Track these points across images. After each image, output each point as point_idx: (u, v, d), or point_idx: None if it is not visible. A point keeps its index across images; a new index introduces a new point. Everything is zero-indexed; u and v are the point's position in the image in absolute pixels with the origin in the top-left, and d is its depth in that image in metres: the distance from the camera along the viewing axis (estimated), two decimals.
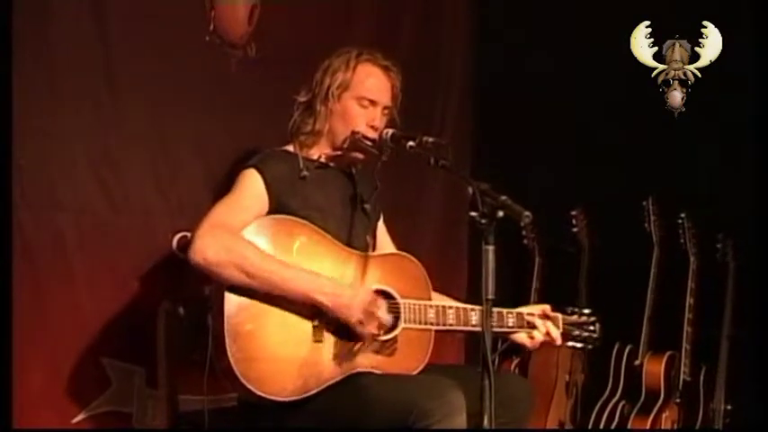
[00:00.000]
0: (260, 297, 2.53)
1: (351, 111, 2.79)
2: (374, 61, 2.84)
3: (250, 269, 2.49)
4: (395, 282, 2.72)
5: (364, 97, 2.80)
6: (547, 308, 2.94)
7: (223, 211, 2.61)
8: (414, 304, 2.71)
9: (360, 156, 2.83)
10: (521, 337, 2.89)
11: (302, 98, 2.84)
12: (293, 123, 2.84)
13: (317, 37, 3.51)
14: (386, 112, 2.84)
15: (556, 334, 2.88)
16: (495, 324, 2.75)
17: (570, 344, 2.97)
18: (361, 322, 2.58)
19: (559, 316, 2.94)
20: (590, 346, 3.02)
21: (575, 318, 2.98)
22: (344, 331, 2.61)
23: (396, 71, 2.87)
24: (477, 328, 2.71)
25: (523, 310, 2.90)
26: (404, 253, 2.85)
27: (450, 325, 2.75)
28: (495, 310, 2.75)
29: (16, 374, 2.75)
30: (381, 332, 2.65)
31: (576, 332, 2.97)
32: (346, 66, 2.80)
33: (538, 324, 2.87)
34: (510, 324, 2.84)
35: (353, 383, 2.57)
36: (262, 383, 2.49)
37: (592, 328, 2.99)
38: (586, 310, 3.01)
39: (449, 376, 2.57)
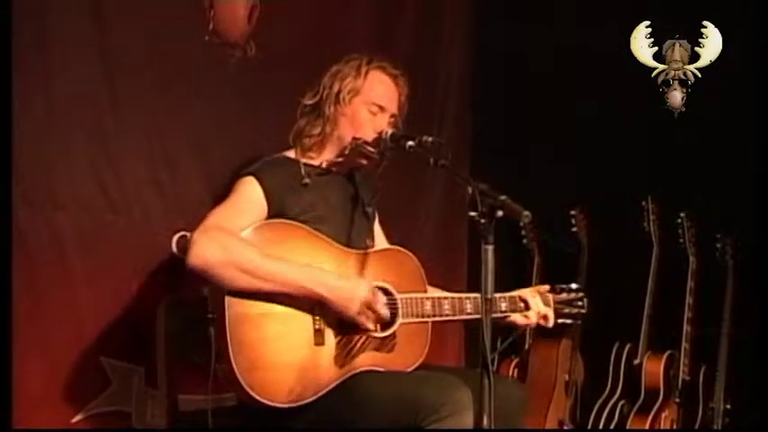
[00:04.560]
0: (261, 305, 2.53)
1: (360, 116, 2.80)
2: (384, 69, 2.86)
3: (249, 267, 2.50)
4: (391, 277, 2.74)
5: (374, 103, 2.81)
6: (540, 288, 3.00)
7: (219, 215, 2.61)
8: (410, 298, 2.72)
9: (363, 161, 2.83)
10: (514, 316, 2.92)
11: (308, 101, 2.84)
12: (297, 127, 2.84)
13: (316, 37, 3.51)
14: (392, 120, 2.85)
15: (545, 310, 2.93)
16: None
17: (561, 321, 3.02)
18: (359, 314, 2.59)
19: (550, 296, 2.99)
20: (578, 321, 3.10)
21: (564, 296, 3.04)
22: (345, 328, 2.62)
23: (404, 81, 2.89)
24: (474, 316, 2.76)
25: (517, 293, 2.94)
26: (398, 247, 2.87)
27: (447, 315, 2.77)
28: None
29: (16, 374, 2.76)
30: (378, 327, 2.66)
31: (566, 309, 3.04)
32: (357, 71, 2.82)
33: (530, 302, 2.91)
34: (503, 308, 2.88)
35: (357, 382, 2.58)
36: (266, 391, 2.50)
37: (580, 303, 3.06)
38: (574, 285, 3.08)
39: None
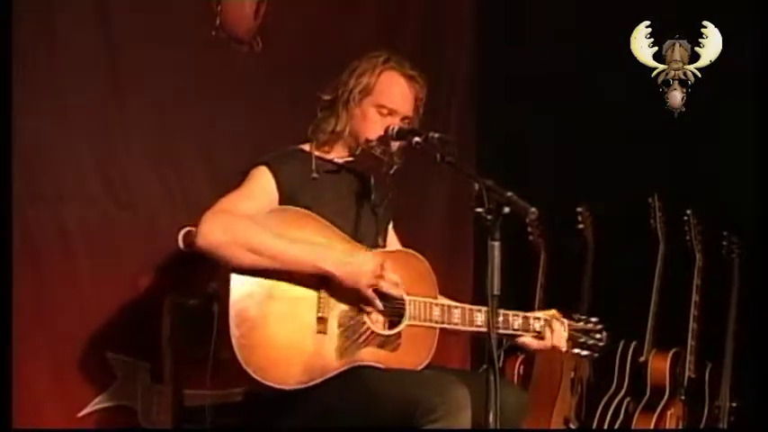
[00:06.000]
0: (265, 286, 2.52)
1: (369, 117, 2.76)
2: (400, 69, 2.80)
3: (255, 245, 2.49)
4: (401, 278, 2.71)
5: (384, 105, 2.76)
6: (555, 313, 2.90)
7: (228, 200, 2.61)
8: (419, 301, 2.70)
9: (373, 162, 2.81)
10: (527, 339, 2.85)
11: (326, 96, 2.82)
12: (316, 121, 2.82)
13: (323, 32, 3.52)
14: (405, 122, 2.79)
15: (558, 340, 2.84)
16: (500, 326, 2.72)
17: (575, 350, 2.92)
18: (369, 286, 2.57)
19: (566, 321, 2.91)
20: (595, 355, 2.97)
21: (581, 324, 2.94)
22: (350, 320, 2.60)
23: (421, 83, 2.82)
24: (482, 329, 2.70)
25: (532, 314, 2.87)
26: (411, 250, 2.84)
27: (455, 324, 2.73)
28: (501, 312, 2.73)
29: (20, 369, 2.77)
30: (385, 325, 2.65)
31: (582, 339, 2.93)
32: (372, 70, 2.77)
33: (555, 327, 2.84)
34: (515, 327, 2.81)
35: (358, 376, 2.57)
36: (265, 371, 2.48)
37: (598, 336, 2.95)
38: (594, 318, 2.96)
39: None
